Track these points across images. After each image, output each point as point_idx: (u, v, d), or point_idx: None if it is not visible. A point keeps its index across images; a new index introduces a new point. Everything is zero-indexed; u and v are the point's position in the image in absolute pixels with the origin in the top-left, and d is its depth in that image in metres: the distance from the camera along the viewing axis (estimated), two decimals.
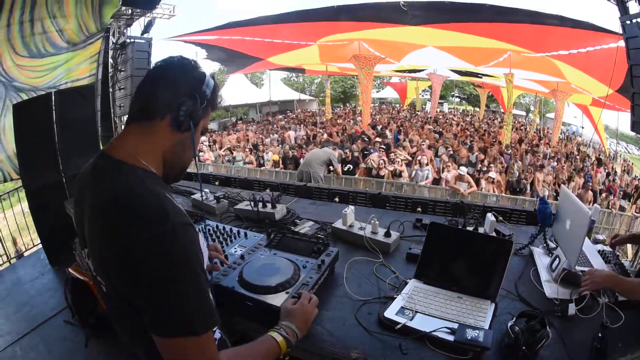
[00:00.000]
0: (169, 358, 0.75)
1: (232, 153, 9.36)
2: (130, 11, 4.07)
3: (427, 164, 7.02)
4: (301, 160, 7.27)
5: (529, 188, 7.18)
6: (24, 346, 2.48)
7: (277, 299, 1.24)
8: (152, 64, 0.91)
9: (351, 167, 7.40)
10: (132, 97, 0.89)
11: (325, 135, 10.45)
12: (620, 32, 2.58)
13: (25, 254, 3.82)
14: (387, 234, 1.79)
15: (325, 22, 7.97)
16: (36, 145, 3.12)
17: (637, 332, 1.18)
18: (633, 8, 2.56)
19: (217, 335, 1.10)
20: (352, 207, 1.97)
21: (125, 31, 4.18)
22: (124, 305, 0.79)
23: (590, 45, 6.92)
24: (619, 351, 1.09)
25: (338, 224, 1.93)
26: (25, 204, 3.64)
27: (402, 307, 1.28)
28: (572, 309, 1.21)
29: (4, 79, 3.20)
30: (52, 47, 3.24)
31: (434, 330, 1.14)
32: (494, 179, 6.66)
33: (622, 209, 7.09)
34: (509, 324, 1.09)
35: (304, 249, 1.57)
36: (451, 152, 8.39)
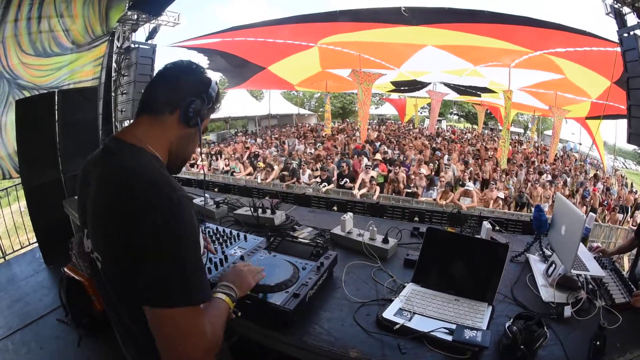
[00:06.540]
0: (163, 330, 0.76)
1: (229, 165, 9.39)
2: (136, 16, 4.15)
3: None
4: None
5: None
6: (16, 341, 2.48)
7: (276, 298, 1.23)
8: (162, 67, 0.99)
9: (347, 180, 7.47)
10: (143, 93, 0.98)
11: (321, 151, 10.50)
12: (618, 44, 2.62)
13: (21, 251, 3.78)
14: (385, 241, 1.80)
15: (325, 22, 8.21)
16: (37, 142, 3.14)
17: (634, 332, 1.20)
18: (630, 20, 2.60)
19: None
20: (350, 214, 1.99)
21: (130, 36, 4.25)
22: (119, 280, 0.83)
23: (587, 46, 7.16)
24: (617, 351, 1.10)
25: (337, 230, 1.94)
26: (20, 203, 3.62)
27: (400, 309, 1.28)
28: (567, 311, 1.23)
29: (8, 75, 3.23)
30: (58, 47, 3.28)
31: (432, 331, 1.14)
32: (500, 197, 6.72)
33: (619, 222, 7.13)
34: (507, 325, 1.10)
35: (303, 252, 1.58)
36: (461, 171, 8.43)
